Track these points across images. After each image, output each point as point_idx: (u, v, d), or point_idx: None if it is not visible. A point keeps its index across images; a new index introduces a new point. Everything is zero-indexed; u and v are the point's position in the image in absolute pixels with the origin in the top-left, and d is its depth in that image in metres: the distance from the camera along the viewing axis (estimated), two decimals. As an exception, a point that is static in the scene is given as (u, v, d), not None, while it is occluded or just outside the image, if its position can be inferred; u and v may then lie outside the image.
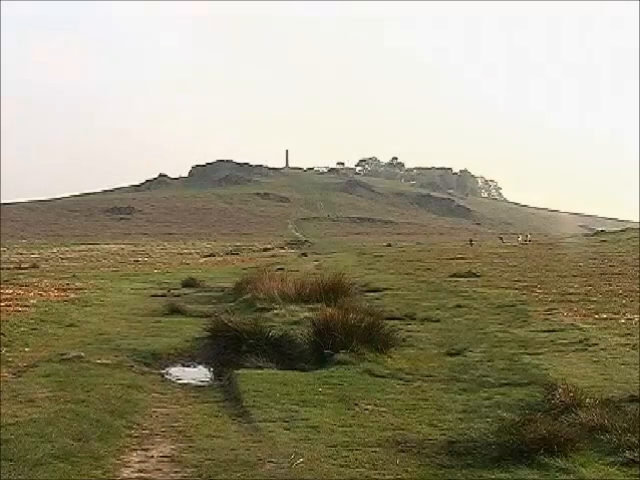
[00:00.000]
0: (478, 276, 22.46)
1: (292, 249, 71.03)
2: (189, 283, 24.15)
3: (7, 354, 10.52)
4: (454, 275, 22.89)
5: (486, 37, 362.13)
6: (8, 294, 17.90)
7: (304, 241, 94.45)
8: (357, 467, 5.73)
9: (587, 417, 6.29)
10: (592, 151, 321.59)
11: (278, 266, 32.62)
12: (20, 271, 29.98)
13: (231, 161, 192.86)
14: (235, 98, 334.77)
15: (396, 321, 13.26)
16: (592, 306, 14.29)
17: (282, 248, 73.53)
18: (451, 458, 5.88)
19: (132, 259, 45.24)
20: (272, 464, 5.80)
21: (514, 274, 22.90)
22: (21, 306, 15.50)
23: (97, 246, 69.07)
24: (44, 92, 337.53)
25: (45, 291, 19.79)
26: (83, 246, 68.28)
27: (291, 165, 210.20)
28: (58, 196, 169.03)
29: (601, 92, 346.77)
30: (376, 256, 41.19)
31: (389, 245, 66.05)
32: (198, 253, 57.20)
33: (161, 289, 22.96)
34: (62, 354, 10.45)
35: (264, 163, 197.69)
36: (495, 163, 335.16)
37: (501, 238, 70.77)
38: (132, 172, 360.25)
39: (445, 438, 6.42)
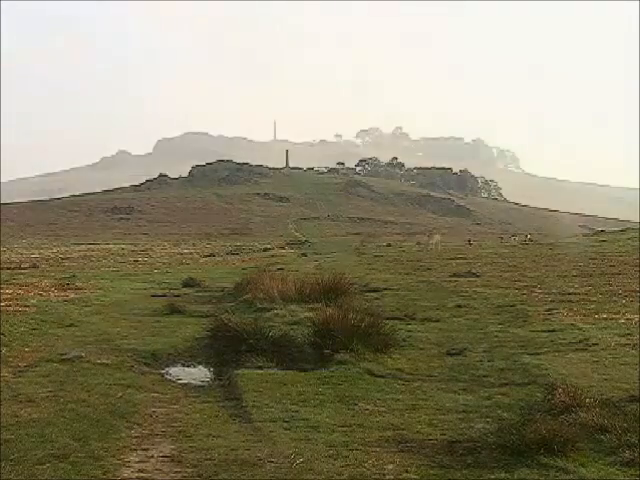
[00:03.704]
0: (478, 276, 22.44)
1: (292, 249, 70.83)
2: (189, 283, 24.14)
3: (7, 354, 10.52)
4: (454, 275, 22.88)
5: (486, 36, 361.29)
6: (8, 294, 17.91)
7: (304, 241, 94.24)
8: (357, 467, 5.73)
9: (587, 417, 6.30)
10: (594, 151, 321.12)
11: (278, 266, 32.56)
12: (20, 271, 29.91)
13: (231, 161, 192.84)
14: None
15: (396, 321, 13.25)
16: (592, 306, 14.28)
17: (282, 248, 73.28)
18: (451, 458, 5.89)
19: (132, 259, 45.08)
20: (272, 464, 5.80)
21: (514, 274, 22.87)
22: (21, 306, 15.51)
23: (97, 246, 68.90)
24: (44, 92, 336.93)
25: (45, 291, 19.79)
26: (83, 246, 68.10)
27: (291, 165, 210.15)
28: (58, 196, 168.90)
29: (603, 92, 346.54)
30: (376, 256, 41.16)
31: (389, 245, 65.96)
32: (198, 253, 57.05)
33: (161, 289, 22.95)
34: (62, 354, 10.46)
35: (264, 163, 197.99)
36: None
37: (501, 238, 70.80)
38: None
39: (445, 438, 6.43)
